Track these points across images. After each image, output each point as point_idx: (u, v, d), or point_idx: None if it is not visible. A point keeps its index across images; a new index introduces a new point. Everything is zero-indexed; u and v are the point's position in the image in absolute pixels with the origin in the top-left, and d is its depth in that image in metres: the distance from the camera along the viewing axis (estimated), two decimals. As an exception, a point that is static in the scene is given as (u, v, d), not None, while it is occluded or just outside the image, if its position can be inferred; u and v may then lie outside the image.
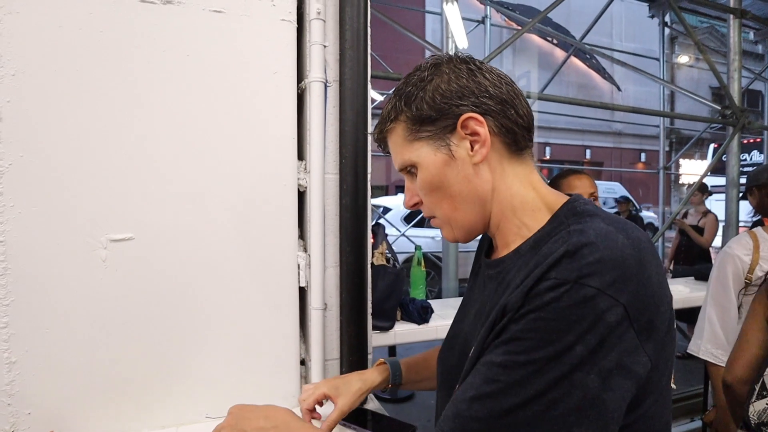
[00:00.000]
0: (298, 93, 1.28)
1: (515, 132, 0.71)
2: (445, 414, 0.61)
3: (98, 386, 1.15)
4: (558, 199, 0.73)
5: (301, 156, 1.32)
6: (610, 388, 0.55)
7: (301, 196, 1.33)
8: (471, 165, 0.71)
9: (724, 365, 1.61)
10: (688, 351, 1.84)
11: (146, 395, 1.19)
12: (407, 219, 7.23)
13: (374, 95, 6.23)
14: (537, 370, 0.55)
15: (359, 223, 1.29)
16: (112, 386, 1.16)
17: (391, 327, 2.00)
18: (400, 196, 8.91)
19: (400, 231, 6.59)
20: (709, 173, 3.74)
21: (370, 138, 1.32)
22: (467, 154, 0.71)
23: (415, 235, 6.56)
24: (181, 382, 1.22)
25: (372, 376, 1.13)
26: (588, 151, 15.13)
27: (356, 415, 1.26)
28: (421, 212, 6.92)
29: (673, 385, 1.68)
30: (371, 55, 1.32)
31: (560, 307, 0.55)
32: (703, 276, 3.34)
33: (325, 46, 1.28)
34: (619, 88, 12.85)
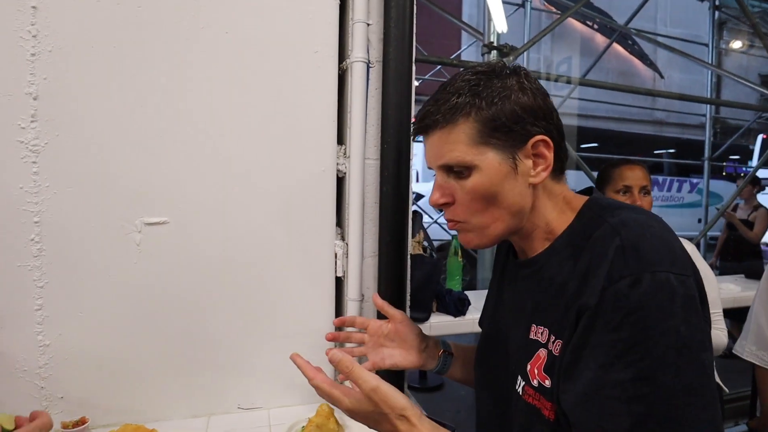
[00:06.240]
0: (339, 73, 1.22)
1: (562, 163, 0.76)
2: None
3: (131, 373, 1.13)
4: (578, 198, 0.77)
5: (340, 140, 1.26)
6: (708, 358, 0.60)
7: (340, 182, 1.28)
8: (527, 183, 0.73)
9: None
10: (733, 351, 1.74)
11: (177, 383, 1.17)
12: (440, 205, 7.09)
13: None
14: (668, 365, 0.57)
15: (400, 211, 1.23)
16: (145, 373, 1.14)
17: (427, 318, 1.94)
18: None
19: (432, 218, 6.51)
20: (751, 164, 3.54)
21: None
22: (528, 172, 0.72)
23: (448, 223, 6.44)
24: (213, 371, 1.19)
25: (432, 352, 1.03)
26: (626, 140, 14.61)
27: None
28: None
29: (725, 388, 1.58)
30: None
31: (648, 298, 0.58)
32: (753, 274, 3.19)
33: (368, 24, 1.21)
34: (662, 75, 12.34)
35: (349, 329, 1.09)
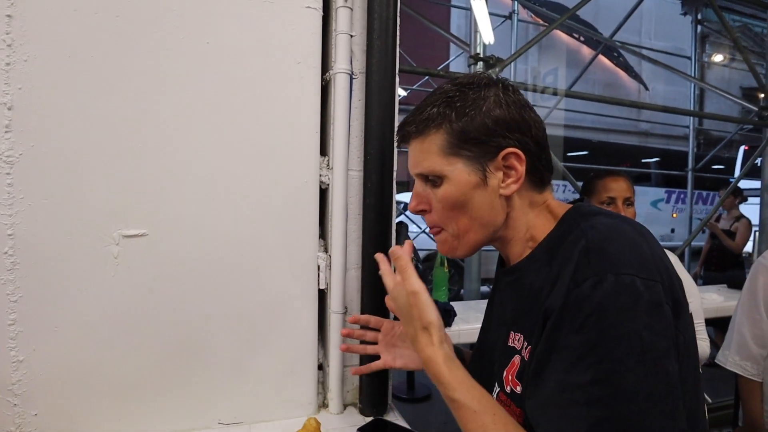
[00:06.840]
0: (322, 85, 1.22)
1: (542, 174, 0.76)
2: None
3: (107, 388, 1.10)
4: (562, 206, 0.78)
5: (323, 151, 1.26)
6: (673, 366, 0.58)
7: (323, 193, 1.27)
8: (497, 195, 0.74)
9: (753, 378, 1.58)
10: (715, 361, 1.75)
11: (157, 398, 1.14)
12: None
13: (398, 90, 6.07)
14: (629, 368, 0.56)
15: (383, 223, 1.22)
16: (122, 388, 1.11)
17: (412, 330, 1.92)
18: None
19: (420, 228, 6.52)
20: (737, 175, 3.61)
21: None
22: (498, 184, 0.73)
23: (435, 233, 6.44)
24: (193, 386, 1.16)
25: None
26: (612, 151, 14.76)
27: (375, 426, 1.20)
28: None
29: (707, 398, 1.59)
30: (395, 48, 1.24)
31: (610, 300, 0.57)
32: (736, 284, 3.23)
33: (351, 36, 1.21)
34: (646, 87, 12.51)
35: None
